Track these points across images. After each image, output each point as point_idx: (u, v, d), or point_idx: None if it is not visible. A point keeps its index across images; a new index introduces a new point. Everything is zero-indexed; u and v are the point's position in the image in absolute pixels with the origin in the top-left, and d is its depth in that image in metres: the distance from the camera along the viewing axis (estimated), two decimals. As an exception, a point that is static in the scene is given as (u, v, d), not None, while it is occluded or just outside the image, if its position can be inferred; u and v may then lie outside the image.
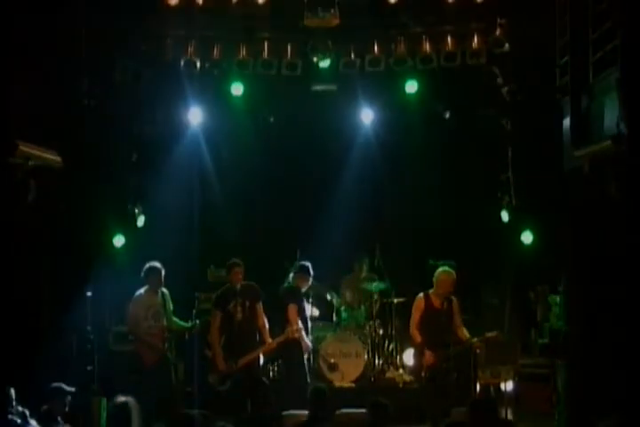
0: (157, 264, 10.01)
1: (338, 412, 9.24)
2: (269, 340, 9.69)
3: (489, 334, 9.76)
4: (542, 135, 10.38)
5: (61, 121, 9.87)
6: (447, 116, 12.22)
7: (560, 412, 9.83)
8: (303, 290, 10.65)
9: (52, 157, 9.31)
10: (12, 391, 7.74)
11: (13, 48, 8.84)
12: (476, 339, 9.61)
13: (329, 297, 11.98)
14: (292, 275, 10.96)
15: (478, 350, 9.86)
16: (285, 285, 11.06)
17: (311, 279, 10.64)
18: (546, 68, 10.31)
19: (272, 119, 12.69)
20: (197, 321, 10.27)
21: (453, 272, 9.68)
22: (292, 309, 10.20)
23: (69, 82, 10.08)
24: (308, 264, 10.59)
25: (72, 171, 9.87)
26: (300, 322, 10.20)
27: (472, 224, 12.37)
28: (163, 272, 10.00)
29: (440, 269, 9.78)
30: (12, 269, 8.87)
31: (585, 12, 9.38)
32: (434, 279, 9.65)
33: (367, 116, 12.38)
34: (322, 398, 7.66)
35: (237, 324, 9.52)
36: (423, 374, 9.54)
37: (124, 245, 11.05)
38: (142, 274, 10.04)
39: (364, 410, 7.48)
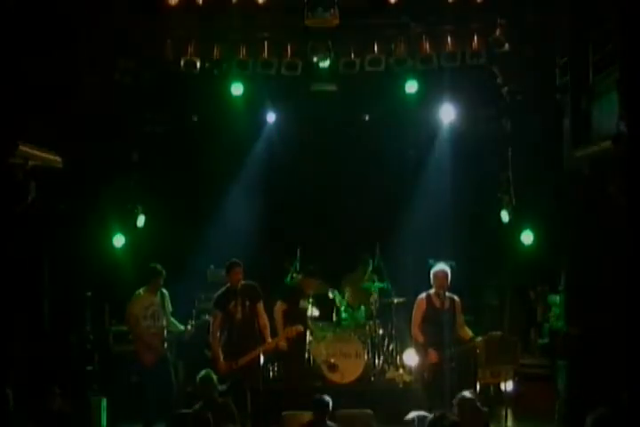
0: (160, 267, 10.02)
1: (338, 412, 9.24)
2: (270, 339, 9.69)
3: (493, 334, 9.75)
4: (542, 135, 10.38)
5: (61, 121, 9.87)
6: (447, 117, 12.24)
7: (560, 412, 9.84)
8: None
9: (52, 157, 9.32)
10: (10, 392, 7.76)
11: (13, 48, 8.85)
12: (480, 338, 9.58)
13: (331, 295, 11.96)
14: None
15: (478, 350, 9.84)
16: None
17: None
18: (546, 68, 10.31)
19: (272, 119, 12.68)
20: (189, 326, 10.20)
21: (446, 267, 9.67)
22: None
23: (69, 82, 10.07)
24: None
25: (72, 171, 9.87)
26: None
27: (472, 224, 12.38)
28: (164, 274, 10.00)
29: (434, 267, 9.78)
30: (12, 270, 8.89)
31: (585, 12, 9.39)
32: (431, 278, 9.64)
33: (366, 116, 12.39)
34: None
35: (237, 323, 9.51)
36: (424, 374, 9.52)
37: (124, 245, 11.06)
38: (146, 275, 10.04)
39: (364, 410, 7.47)
